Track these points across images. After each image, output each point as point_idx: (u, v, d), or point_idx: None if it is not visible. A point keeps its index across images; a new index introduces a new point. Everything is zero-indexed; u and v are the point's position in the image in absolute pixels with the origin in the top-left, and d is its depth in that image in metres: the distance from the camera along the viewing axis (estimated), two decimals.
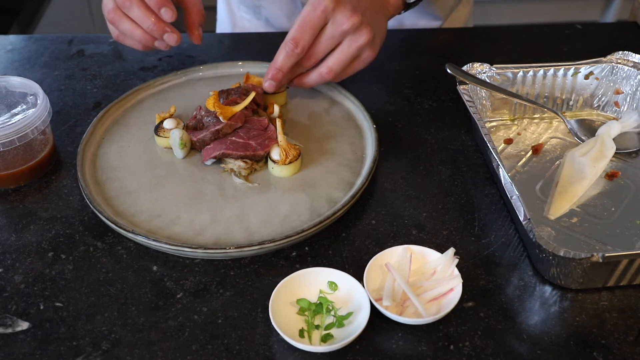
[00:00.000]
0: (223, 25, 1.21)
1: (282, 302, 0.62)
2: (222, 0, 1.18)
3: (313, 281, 0.64)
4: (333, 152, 0.81)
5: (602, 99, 0.88)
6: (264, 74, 0.88)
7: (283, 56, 0.77)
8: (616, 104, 0.87)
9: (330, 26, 0.76)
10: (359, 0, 0.77)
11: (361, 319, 0.60)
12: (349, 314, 0.62)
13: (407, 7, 0.88)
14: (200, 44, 0.88)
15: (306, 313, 0.63)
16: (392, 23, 1.08)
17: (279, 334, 0.60)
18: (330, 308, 0.62)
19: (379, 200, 0.76)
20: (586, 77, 0.87)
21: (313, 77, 0.81)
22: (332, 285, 0.64)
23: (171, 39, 0.80)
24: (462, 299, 0.64)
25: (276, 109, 0.84)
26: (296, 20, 0.76)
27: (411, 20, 1.09)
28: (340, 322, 0.61)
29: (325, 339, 0.61)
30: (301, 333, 0.61)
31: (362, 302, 0.62)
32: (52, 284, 0.67)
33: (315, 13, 0.74)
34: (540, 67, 0.86)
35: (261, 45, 1.06)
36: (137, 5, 0.77)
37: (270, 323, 0.60)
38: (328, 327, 0.61)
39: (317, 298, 0.63)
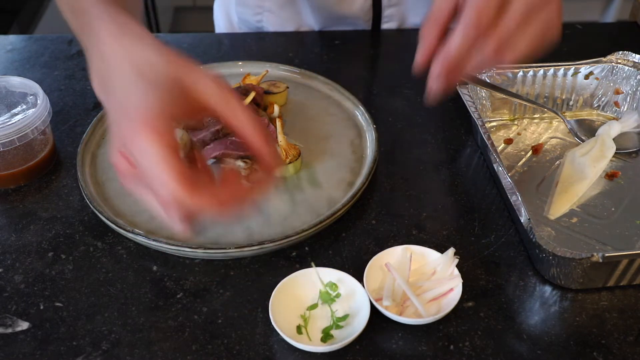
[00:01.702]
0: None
1: (282, 302, 0.62)
2: (222, 17, 1.17)
3: (313, 281, 0.64)
4: (333, 152, 0.81)
5: (602, 99, 0.88)
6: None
7: (461, 35, 0.55)
8: (616, 104, 0.87)
9: (510, 10, 0.55)
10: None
11: (361, 319, 0.60)
12: (346, 316, 0.62)
13: None
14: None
15: (306, 312, 0.63)
16: (393, 24, 1.08)
17: (279, 334, 0.60)
18: (330, 309, 0.62)
19: (379, 200, 0.76)
20: (586, 77, 0.87)
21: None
22: (333, 287, 0.64)
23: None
24: (462, 299, 0.64)
25: (276, 109, 0.84)
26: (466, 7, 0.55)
27: (413, 19, 1.09)
28: (337, 324, 0.61)
29: (326, 339, 0.61)
30: (299, 329, 0.61)
31: (362, 302, 0.62)
32: (52, 284, 0.67)
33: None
34: (540, 67, 0.86)
35: (261, 45, 1.06)
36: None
37: (271, 323, 0.60)
38: (326, 329, 0.61)
39: (318, 297, 0.63)
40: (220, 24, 1.18)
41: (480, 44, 0.56)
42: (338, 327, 0.61)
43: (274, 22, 1.09)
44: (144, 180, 0.52)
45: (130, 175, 0.54)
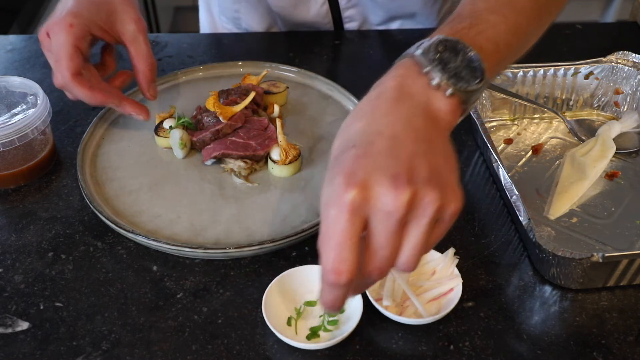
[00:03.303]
0: (205, 31, 1.21)
1: (277, 295, 0.63)
2: (204, 8, 1.18)
3: (312, 278, 0.64)
4: None
5: (602, 99, 0.88)
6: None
7: (328, 294, 0.49)
8: (616, 104, 0.87)
9: (377, 221, 0.47)
10: (395, 153, 0.48)
11: (351, 324, 0.60)
12: (335, 321, 0.62)
13: (465, 106, 0.54)
14: (155, 100, 0.83)
15: (302, 307, 0.63)
16: (354, 24, 1.08)
17: (279, 334, 0.60)
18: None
19: None
20: (586, 77, 0.87)
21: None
22: None
23: (112, 106, 0.79)
24: (462, 299, 0.64)
25: (276, 109, 0.84)
26: (320, 230, 0.48)
27: (373, 19, 1.09)
28: (325, 327, 0.62)
29: (311, 337, 0.61)
30: (289, 321, 0.62)
31: (356, 306, 0.62)
32: (52, 284, 0.67)
33: (342, 216, 0.46)
34: (540, 67, 0.86)
35: (261, 45, 1.06)
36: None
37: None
38: (315, 328, 0.62)
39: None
40: (203, 14, 1.19)
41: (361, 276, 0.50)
42: (326, 329, 0.61)
43: (250, 15, 1.09)
44: (49, 53, 0.75)
45: (46, 49, 0.75)
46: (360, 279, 0.49)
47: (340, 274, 0.47)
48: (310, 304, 0.63)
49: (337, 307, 0.50)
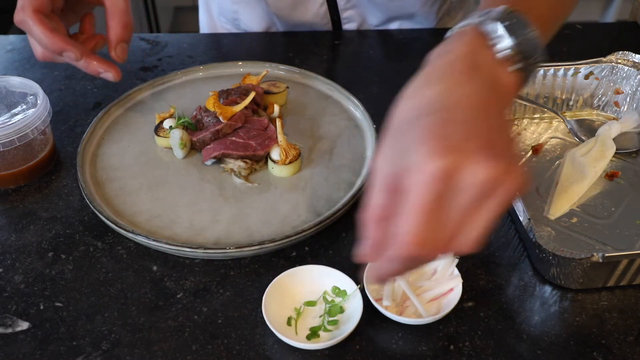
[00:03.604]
0: (204, 32, 1.21)
1: (277, 295, 0.63)
2: (204, 9, 1.18)
3: (313, 278, 0.64)
4: (333, 152, 0.81)
5: (602, 99, 0.88)
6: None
7: (392, 266, 0.47)
8: (616, 104, 0.87)
9: (458, 191, 0.44)
10: (479, 125, 0.46)
11: (351, 324, 0.60)
12: (335, 322, 0.62)
13: (527, 77, 0.54)
14: (124, 63, 0.77)
15: (302, 307, 0.63)
16: (353, 24, 1.08)
17: (279, 334, 0.60)
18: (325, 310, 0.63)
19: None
20: (586, 77, 0.87)
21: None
22: (341, 293, 0.64)
23: (71, 55, 0.72)
24: (462, 299, 0.64)
25: (276, 109, 0.84)
26: (411, 201, 0.44)
27: (372, 20, 1.09)
28: (325, 327, 0.62)
29: (311, 337, 0.61)
30: (289, 321, 0.62)
31: (356, 306, 0.62)
32: (52, 284, 0.67)
33: (434, 182, 0.43)
34: (540, 67, 0.86)
35: (261, 45, 1.06)
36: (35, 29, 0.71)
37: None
38: (315, 328, 0.62)
39: (321, 296, 0.63)
40: (202, 14, 1.19)
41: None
42: (326, 329, 0.61)
43: (249, 16, 1.09)
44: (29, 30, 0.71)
45: (20, 24, 0.71)
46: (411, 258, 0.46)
47: (423, 244, 0.44)
48: (310, 304, 0.63)
49: (385, 280, 0.49)
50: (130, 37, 0.76)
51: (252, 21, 1.10)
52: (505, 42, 0.51)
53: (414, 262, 0.46)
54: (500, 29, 0.51)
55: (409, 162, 0.44)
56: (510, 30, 0.51)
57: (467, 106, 0.47)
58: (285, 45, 1.04)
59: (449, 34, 0.55)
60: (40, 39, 0.70)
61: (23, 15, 0.70)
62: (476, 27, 0.52)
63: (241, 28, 1.12)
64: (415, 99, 0.49)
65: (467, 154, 0.44)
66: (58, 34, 0.71)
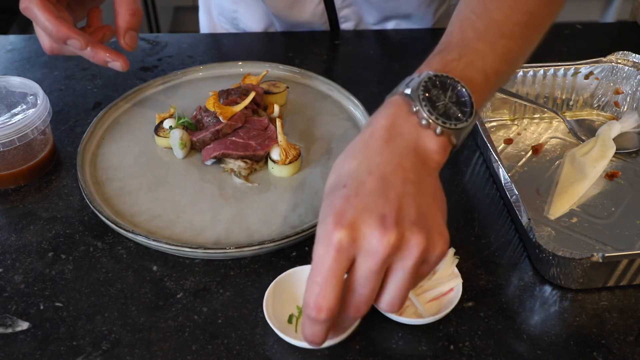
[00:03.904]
0: (204, 32, 1.21)
1: (278, 295, 0.63)
2: (204, 9, 1.18)
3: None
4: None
5: (602, 99, 0.88)
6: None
7: (309, 328, 0.51)
8: (616, 104, 0.87)
9: (361, 259, 0.48)
10: (384, 194, 0.49)
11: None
12: None
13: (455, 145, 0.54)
14: (134, 51, 0.76)
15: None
16: (350, 24, 1.08)
17: (279, 334, 0.60)
18: None
19: None
20: (586, 77, 0.87)
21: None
22: None
23: (76, 44, 0.70)
24: (462, 299, 0.64)
25: (276, 109, 0.84)
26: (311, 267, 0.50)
27: (369, 19, 1.09)
28: None
29: None
30: (290, 319, 0.62)
31: None
32: (52, 284, 0.67)
33: (329, 254, 0.48)
34: (540, 67, 0.86)
35: (261, 45, 1.06)
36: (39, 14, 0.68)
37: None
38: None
39: None
40: (202, 15, 1.19)
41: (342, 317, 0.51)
42: None
43: (248, 16, 1.09)
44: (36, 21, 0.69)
45: (25, 10, 0.68)
46: (340, 317, 0.51)
47: (320, 311, 0.49)
48: None
49: (317, 342, 0.51)
50: (139, 25, 0.74)
51: (251, 21, 1.10)
52: (424, 110, 0.52)
53: (324, 324, 0.50)
54: (420, 97, 0.52)
55: (318, 235, 0.49)
56: (429, 99, 0.52)
57: (378, 176, 0.50)
58: (285, 45, 1.04)
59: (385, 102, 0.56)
60: (45, 26, 0.68)
61: (28, 1, 0.68)
62: (402, 95, 0.54)
63: (240, 28, 1.12)
64: (336, 172, 0.52)
65: (361, 226, 0.47)
66: (63, 21, 0.69)
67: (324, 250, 0.48)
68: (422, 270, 0.51)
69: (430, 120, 0.52)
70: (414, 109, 0.52)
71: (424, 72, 0.54)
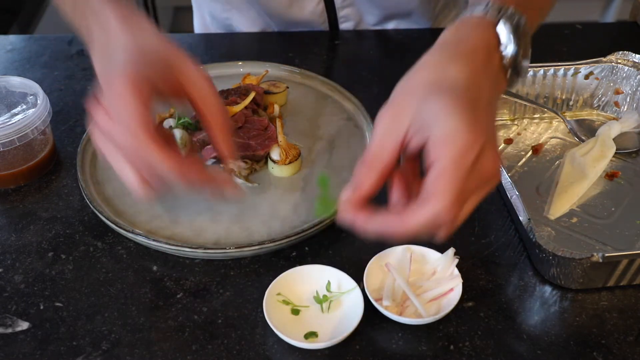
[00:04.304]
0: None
1: (276, 299, 0.63)
2: (197, 15, 1.18)
3: (314, 278, 0.64)
4: (333, 152, 0.81)
5: (602, 99, 0.88)
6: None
7: (429, 213, 0.50)
8: (616, 104, 0.87)
9: (477, 174, 0.50)
10: (490, 116, 0.54)
11: (352, 322, 0.60)
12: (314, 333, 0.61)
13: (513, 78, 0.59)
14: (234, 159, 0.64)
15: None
16: (350, 24, 1.08)
17: (279, 334, 0.60)
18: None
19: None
20: (586, 77, 0.87)
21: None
22: (327, 286, 0.64)
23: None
24: (462, 299, 0.64)
25: (276, 109, 0.84)
26: (438, 169, 0.49)
27: (369, 19, 1.09)
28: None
29: (308, 336, 0.61)
30: (290, 320, 0.62)
31: (357, 304, 0.62)
32: (52, 284, 0.67)
33: (466, 161, 0.49)
34: (540, 67, 0.86)
35: (261, 46, 1.06)
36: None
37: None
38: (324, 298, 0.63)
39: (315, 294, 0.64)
40: (197, 20, 1.19)
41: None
42: (322, 300, 0.62)
43: (241, 20, 1.09)
44: (110, 129, 0.55)
45: (100, 123, 0.56)
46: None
47: (456, 216, 0.52)
48: (323, 300, 0.63)
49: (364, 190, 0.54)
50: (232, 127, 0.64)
51: (246, 25, 1.09)
52: (509, 55, 0.56)
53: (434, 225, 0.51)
54: (508, 34, 0.56)
55: (434, 125, 0.50)
56: (517, 47, 0.56)
57: (485, 97, 0.53)
58: (285, 45, 1.04)
59: (462, 16, 0.59)
60: (163, 170, 0.54)
61: (132, 138, 0.53)
62: (495, 26, 0.56)
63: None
64: (441, 70, 0.53)
65: (488, 140, 0.50)
66: (185, 161, 0.55)
67: (461, 156, 0.49)
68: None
69: (508, 69, 0.57)
70: (502, 49, 0.56)
71: (511, 6, 0.57)
